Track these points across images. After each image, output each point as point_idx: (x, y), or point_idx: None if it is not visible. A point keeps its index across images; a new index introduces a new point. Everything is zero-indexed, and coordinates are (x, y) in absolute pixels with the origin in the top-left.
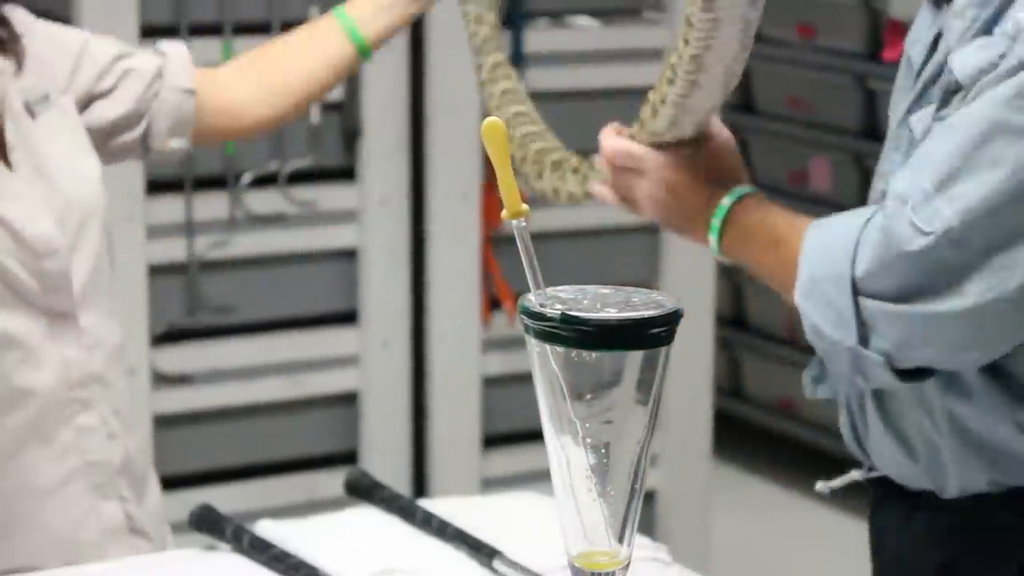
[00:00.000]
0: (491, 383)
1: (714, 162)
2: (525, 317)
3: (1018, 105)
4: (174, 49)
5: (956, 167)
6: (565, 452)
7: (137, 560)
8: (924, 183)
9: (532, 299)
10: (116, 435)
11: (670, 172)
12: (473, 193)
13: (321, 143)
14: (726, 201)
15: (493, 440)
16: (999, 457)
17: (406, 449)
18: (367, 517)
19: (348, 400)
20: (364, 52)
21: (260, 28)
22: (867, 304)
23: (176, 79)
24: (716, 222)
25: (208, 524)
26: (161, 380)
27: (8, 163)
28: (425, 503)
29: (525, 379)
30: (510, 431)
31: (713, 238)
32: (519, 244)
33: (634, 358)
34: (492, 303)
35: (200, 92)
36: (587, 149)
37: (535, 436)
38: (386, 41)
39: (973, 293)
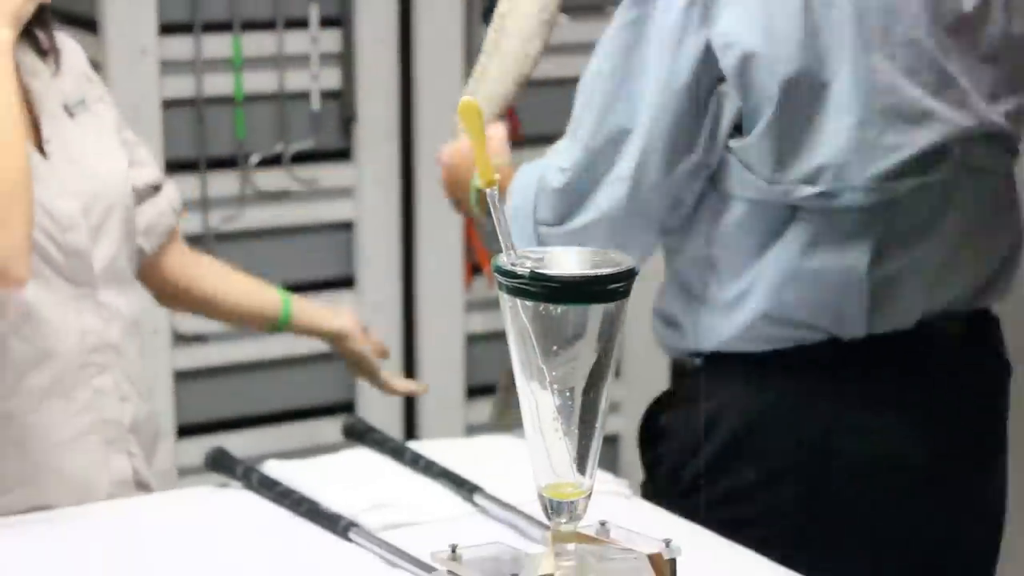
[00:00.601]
0: (473, 340)
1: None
2: (498, 275)
3: (605, 42)
4: (170, 183)
5: (581, 108)
6: (535, 396)
7: (155, 497)
8: (566, 130)
9: (504, 259)
10: (128, 398)
11: (447, 157)
12: None
13: (321, 127)
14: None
15: (475, 390)
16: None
17: (398, 399)
18: (362, 458)
19: None
20: (282, 323)
21: (266, 25)
22: (541, 230)
23: (169, 196)
24: (472, 193)
25: (221, 465)
26: (180, 339)
27: (44, 153)
28: (414, 445)
29: (504, 336)
30: (491, 382)
31: (474, 207)
32: (491, 209)
33: (595, 311)
34: (473, 269)
35: (180, 245)
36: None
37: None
38: (304, 330)
39: (598, 206)
